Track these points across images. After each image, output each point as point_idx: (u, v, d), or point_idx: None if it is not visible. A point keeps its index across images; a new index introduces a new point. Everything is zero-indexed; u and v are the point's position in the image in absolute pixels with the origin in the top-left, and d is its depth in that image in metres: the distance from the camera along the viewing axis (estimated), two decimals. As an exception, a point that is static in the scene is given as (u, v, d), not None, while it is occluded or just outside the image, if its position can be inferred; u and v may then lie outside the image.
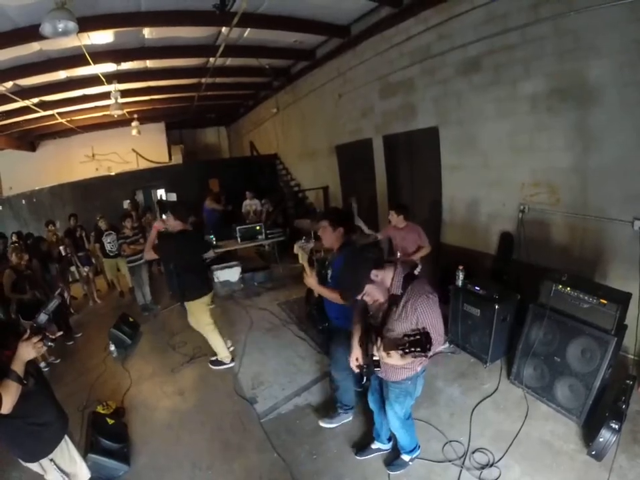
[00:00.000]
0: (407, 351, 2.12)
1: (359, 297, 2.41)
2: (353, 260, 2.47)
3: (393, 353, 2.24)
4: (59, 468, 2.70)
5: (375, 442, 3.35)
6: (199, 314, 4.76)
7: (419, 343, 2.10)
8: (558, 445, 3.23)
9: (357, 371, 2.67)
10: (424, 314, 2.30)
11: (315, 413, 3.92)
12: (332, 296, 3.11)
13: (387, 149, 7.82)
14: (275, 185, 13.52)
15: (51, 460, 2.65)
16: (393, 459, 3.22)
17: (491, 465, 3.08)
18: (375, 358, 2.45)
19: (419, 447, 3.20)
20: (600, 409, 3.28)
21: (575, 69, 4.26)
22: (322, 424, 3.72)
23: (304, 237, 3.47)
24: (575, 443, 3.23)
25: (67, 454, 2.78)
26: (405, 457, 3.14)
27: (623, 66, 3.85)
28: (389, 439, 3.34)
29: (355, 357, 2.65)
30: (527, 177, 5.02)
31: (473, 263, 5.37)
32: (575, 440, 3.26)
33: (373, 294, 2.40)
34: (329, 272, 3.31)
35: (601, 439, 2.94)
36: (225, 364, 4.90)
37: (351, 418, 3.76)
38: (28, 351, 2.19)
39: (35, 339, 2.21)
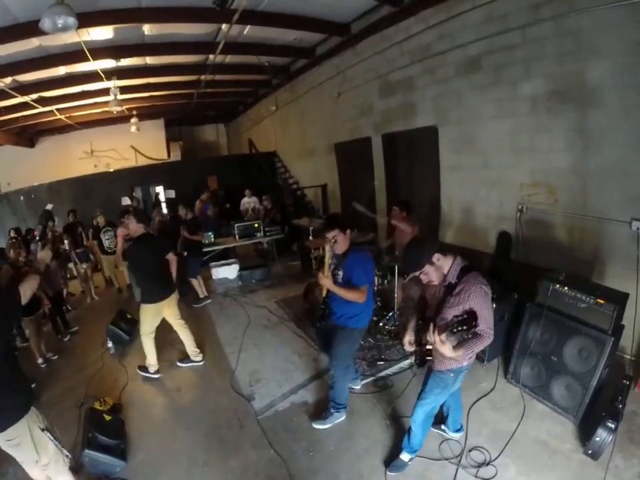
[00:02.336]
0: (454, 330, 2.27)
1: (417, 274, 2.60)
2: (418, 242, 2.70)
3: (444, 339, 2.39)
4: (53, 438, 2.66)
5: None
6: (145, 317, 4.66)
7: (465, 322, 2.24)
8: (554, 444, 3.24)
9: (409, 350, 2.84)
10: (475, 303, 2.39)
11: (308, 414, 3.89)
12: (350, 295, 3.23)
13: (386, 147, 7.82)
14: (273, 183, 13.51)
15: (44, 430, 2.61)
16: (391, 459, 3.21)
17: (488, 464, 3.08)
18: (427, 347, 2.65)
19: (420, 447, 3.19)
20: (596, 409, 3.29)
21: (575, 70, 4.27)
22: (315, 425, 3.70)
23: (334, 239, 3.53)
24: (571, 442, 3.24)
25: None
26: (405, 457, 3.13)
27: (623, 68, 3.86)
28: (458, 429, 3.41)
29: (408, 340, 2.78)
30: (526, 178, 5.03)
31: (472, 262, 5.36)
32: (571, 439, 3.26)
33: (429, 274, 2.57)
34: (339, 273, 3.38)
35: (597, 439, 2.94)
36: (149, 372, 4.80)
37: (344, 417, 3.75)
38: (46, 254, 3.00)
39: (47, 247, 3.07)
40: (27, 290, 2.54)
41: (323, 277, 3.24)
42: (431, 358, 2.72)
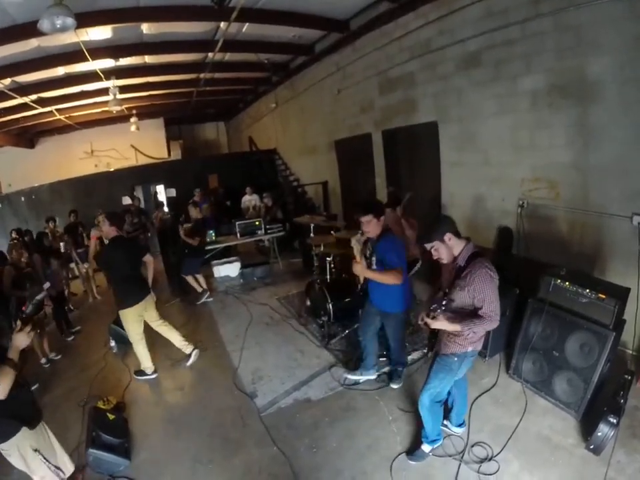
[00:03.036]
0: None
1: (427, 247, 2.73)
2: (437, 217, 3.07)
3: (436, 315, 2.57)
4: (45, 459, 2.72)
5: None
6: (128, 324, 4.61)
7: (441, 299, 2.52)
8: (556, 439, 3.24)
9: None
10: (479, 285, 2.50)
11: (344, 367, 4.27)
12: (386, 278, 3.37)
13: (387, 144, 7.82)
14: (274, 180, 13.51)
15: (36, 450, 2.67)
16: (414, 449, 3.24)
17: (490, 459, 3.09)
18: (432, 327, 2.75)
19: (442, 438, 3.22)
20: (598, 404, 3.30)
21: (576, 65, 4.26)
22: (395, 385, 4.07)
23: (360, 231, 3.67)
24: (573, 437, 3.24)
25: (49, 443, 2.82)
26: (426, 448, 3.15)
27: (624, 63, 3.85)
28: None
29: (420, 317, 2.79)
30: (527, 173, 5.02)
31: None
32: (573, 434, 3.27)
33: (439, 251, 2.70)
34: (373, 258, 3.53)
35: (599, 434, 2.95)
36: (147, 375, 4.80)
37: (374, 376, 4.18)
38: (22, 339, 2.42)
39: (27, 329, 2.42)
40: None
41: (356, 263, 3.38)
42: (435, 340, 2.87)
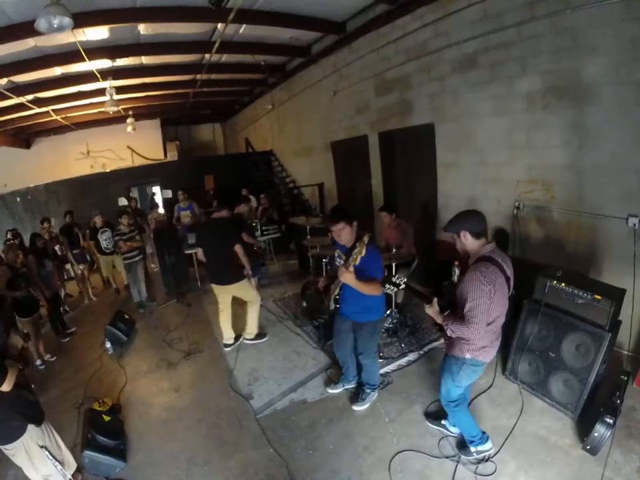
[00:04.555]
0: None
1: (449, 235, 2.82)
2: (467, 212, 2.87)
3: (433, 304, 2.75)
4: (52, 456, 2.75)
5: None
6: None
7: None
8: (553, 439, 3.25)
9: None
10: (467, 286, 2.52)
11: (348, 400, 4.03)
12: (369, 289, 3.25)
13: (383, 145, 7.82)
14: (270, 182, 13.49)
15: (43, 447, 2.70)
16: (463, 445, 3.22)
17: (487, 460, 3.09)
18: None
19: (486, 439, 3.13)
20: (594, 404, 3.31)
21: (571, 67, 4.27)
22: (355, 407, 3.88)
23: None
24: (570, 437, 3.25)
25: (54, 440, 2.85)
26: (472, 448, 3.12)
27: (619, 64, 3.87)
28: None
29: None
30: (523, 174, 5.03)
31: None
32: (570, 435, 3.28)
33: (456, 243, 2.81)
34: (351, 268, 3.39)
35: (595, 434, 2.96)
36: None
37: (376, 394, 3.97)
38: (16, 340, 2.76)
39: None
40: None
41: (345, 272, 3.20)
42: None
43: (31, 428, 2.69)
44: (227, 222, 5.12)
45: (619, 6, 3.74)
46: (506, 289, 2.63)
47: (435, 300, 2.75)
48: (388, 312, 5.29)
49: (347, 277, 3.19)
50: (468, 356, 2.74)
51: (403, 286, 3.18)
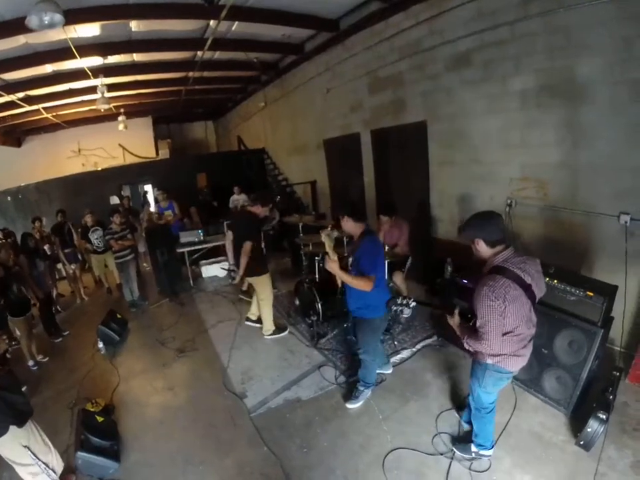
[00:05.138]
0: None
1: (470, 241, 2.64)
2: (484, 217, 2.66)
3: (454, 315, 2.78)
4: (35, 456, 2.73)
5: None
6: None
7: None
8: (547, 436, 3.27)
9: None
10: (476, 300, 2.45)
11: (342, 398, 4.02)
12: (356, 282, 3.32)
13: (375, 143, 7.83)
14: (262, 180, 13.46)
15: (26, 447, 2.68)
16: (462, 441, 3.25)
17: (481, 457, 3.10)
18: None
19: (492, 446, 3.10)
20: (588, 400, 3.34)
21: (565, 65, 4.29)
22: (349, 405, 3.87)
23: (330, 226, 3.72)
24: (564, 433, 3.27)
25: (40, 440, 2.84)
26: (473, 447, 3.11)
27: (613, 63, 3.89)
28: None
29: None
30: (516, 172, 5.06)
31: (463, 257, 5.40)
32: (564, 431, 3.30)
33: (476, 251, 2.62)
34: (350, 259, 3.52)
35: (589, 430, 2.98)
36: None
37: (370, 393, 3.94)
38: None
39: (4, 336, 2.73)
40: None
41: (330, 261, 3.30)
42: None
43: (13, 428, 2.67)
44: (251, 217, 5.13)
45: (612, 5, 3.77)
46: (524, 300, 2.47)
47: (457, 312, 2.74)
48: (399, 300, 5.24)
49: (331, 266, 3.32)
50: (489, 361, 2.66)
51: (413, 304, 3.20)
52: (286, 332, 5.43)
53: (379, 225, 5.43)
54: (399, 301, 3.18)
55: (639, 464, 2.89)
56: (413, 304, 3.15)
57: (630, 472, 2.84)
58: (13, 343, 3.69)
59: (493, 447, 3.10)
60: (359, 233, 3.50)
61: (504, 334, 2.47)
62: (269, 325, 5.37)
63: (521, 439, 3.27)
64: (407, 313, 5.42)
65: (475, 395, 2.96)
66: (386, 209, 5.42)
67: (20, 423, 2.74)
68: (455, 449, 3.20)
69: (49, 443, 3.04)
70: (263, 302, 5.28)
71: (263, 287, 5.24)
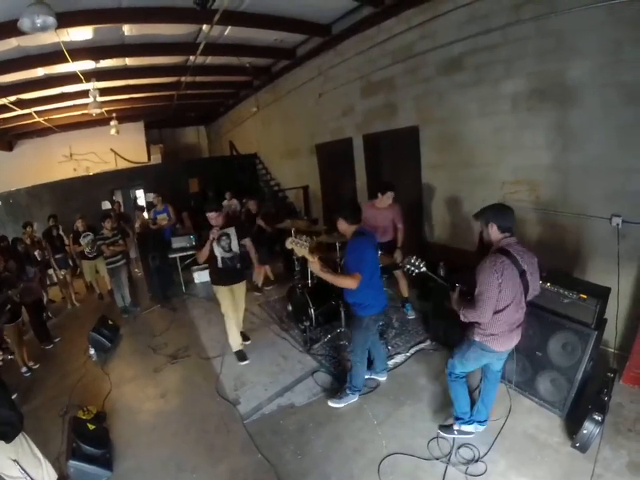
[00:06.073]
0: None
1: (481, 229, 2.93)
2: (498, 207, 2.99)
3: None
4: (23, 470, 2.66)
5: None
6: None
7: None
8: (542, 438, 3.27)
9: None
10: (479, 272, 2.72)
11: (324, 394, 4.08)
12: (339, 281, 3.46)
13: (367, 147, 7.85)
14: (255, 185, 13.44)
15: (15, 460, 2.61)
16: (446, 424, 3.47)
17: (477, 460, 3.09)
18: None
19: (472, 422, 3.34)
20: (582, 402, 3.33)
21: (556, 69, 4.33)
22: (330, 403, 3.93)
23: (292, 233, 3.76)
24: (559, 435, 3.27)
25: (30, 453, 2.76)
26: (456, 426, 3.35)
27: (603, 66, 3.93)
28: None
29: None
30: (508, 175, 5.08)
31: (456, 260, 5.40)
32: (559, 433, 3.30)
33: (487, 234, 2.89)
34: (343, 260, 3.62)
35: (584, 431, 2.98)
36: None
37: (356, 398, 3.95)
38: None
39: None
40: None
41: (311, 263, 3.38)
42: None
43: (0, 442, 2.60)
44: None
45: (602, 10, 3.81)
46: (518, 282, 2.72)
47: (458, 287, 3.00)
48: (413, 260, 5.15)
49: (313, 267, 3.43)
50: (477, 339, 2.93)
51: (423, 269, 3.22)
52: (246, 362, 4.97)
53: (375, 207, 5.41)
54: (412, 260, 3.21)
55: (635, 464, 2.90)
56: (424, 269, 3.19)
57: (626, 472, 2.85)
58: (9, 357, 3.62)
59: (473, 424, 3.31)
60: (351, 233, 3.57)
61: (495, 312, 2.73)
62: (231, 341, 5.04)
63: (516, 441, 3.26)
64: (411, 315, 5.55)
65: (452, 362, 3.23)
66: (388, 185, 5.40)
67: (7, 439, 2.64)
68: (439, 431, 3.39)
69: (40, 455, 2.93)
70: (224, 315, 5.01)
71: (219, 299, 4.95)
